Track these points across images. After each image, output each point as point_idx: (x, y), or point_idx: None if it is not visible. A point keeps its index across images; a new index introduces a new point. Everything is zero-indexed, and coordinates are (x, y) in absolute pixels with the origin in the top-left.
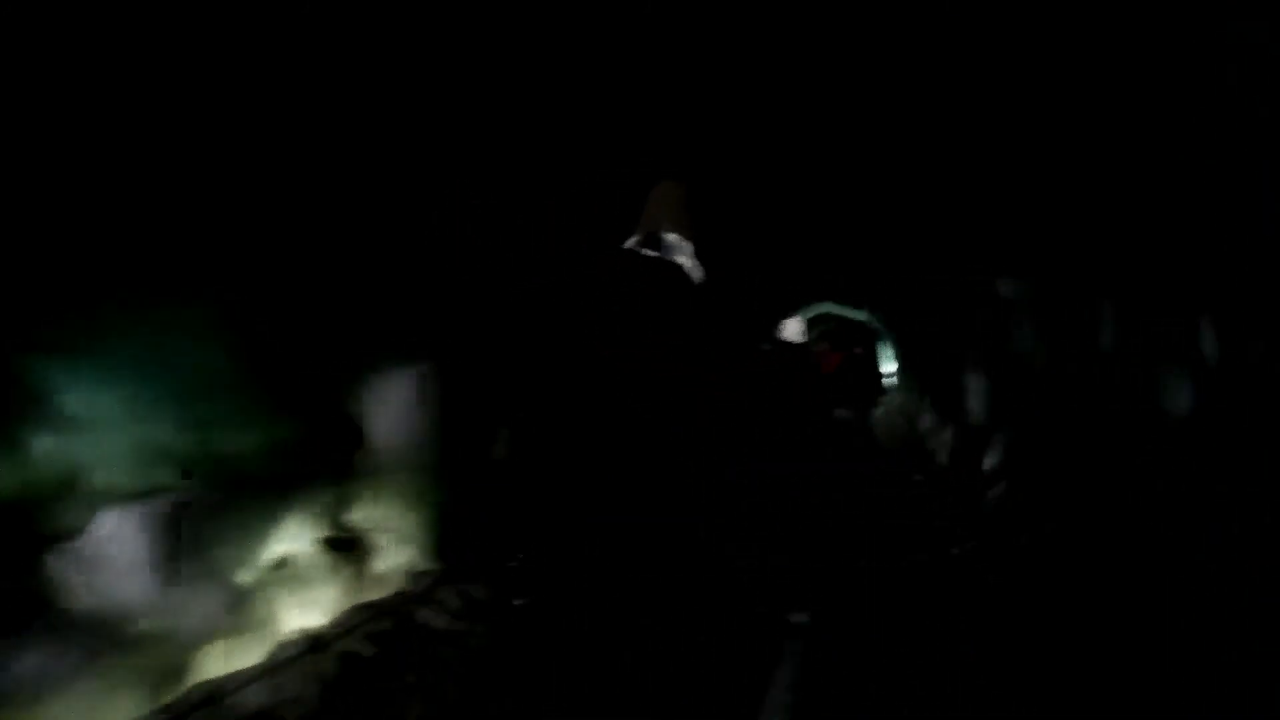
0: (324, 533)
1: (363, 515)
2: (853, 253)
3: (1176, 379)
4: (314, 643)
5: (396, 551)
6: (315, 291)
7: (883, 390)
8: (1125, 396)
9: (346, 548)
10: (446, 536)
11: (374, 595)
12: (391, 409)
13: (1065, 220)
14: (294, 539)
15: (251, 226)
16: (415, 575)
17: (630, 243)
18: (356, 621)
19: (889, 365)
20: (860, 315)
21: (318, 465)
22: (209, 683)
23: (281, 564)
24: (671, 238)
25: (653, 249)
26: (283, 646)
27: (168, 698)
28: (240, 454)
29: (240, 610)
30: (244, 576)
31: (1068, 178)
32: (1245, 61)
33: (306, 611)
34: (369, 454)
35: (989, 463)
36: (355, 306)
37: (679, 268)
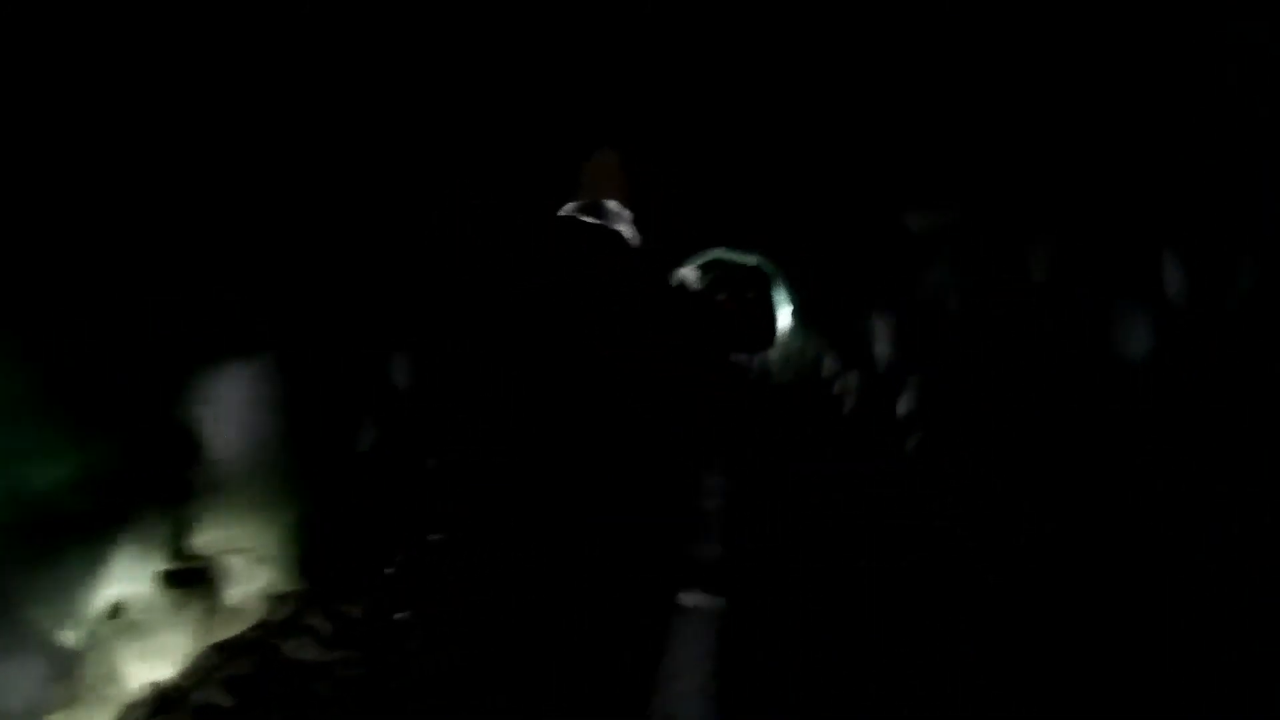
0: (163, 566)
1: (209, 539)
2: (742, 191)
3: (1132, 317)
4: (164, 700)
5: (253, 575)
6: (117, 282)
7: (776, 334)
8: (1065, 337)
9: (192, 580)
10: (311, 550)
11: (231, 631)
12: (230, 411)
13: (993, 144)
14: (128, 579)
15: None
16: (277, 600)
17: (568, 209)
18: (212, 665)
19: (784, 308)
20: (752, 259)
21: (147, 488)
22: None
23: (115, 612)
24: (612, 205)
25: (594, 216)
26: (129, 709)
27: None
28: (47, 492)
29: (72, 676)
30: (70, 635)
31: (1000, 107)
32: (1245, 61)
33: (153, 663)
34: (208, 466)
35: (903, 408)
36: (170, 295)
37: (621, 235)
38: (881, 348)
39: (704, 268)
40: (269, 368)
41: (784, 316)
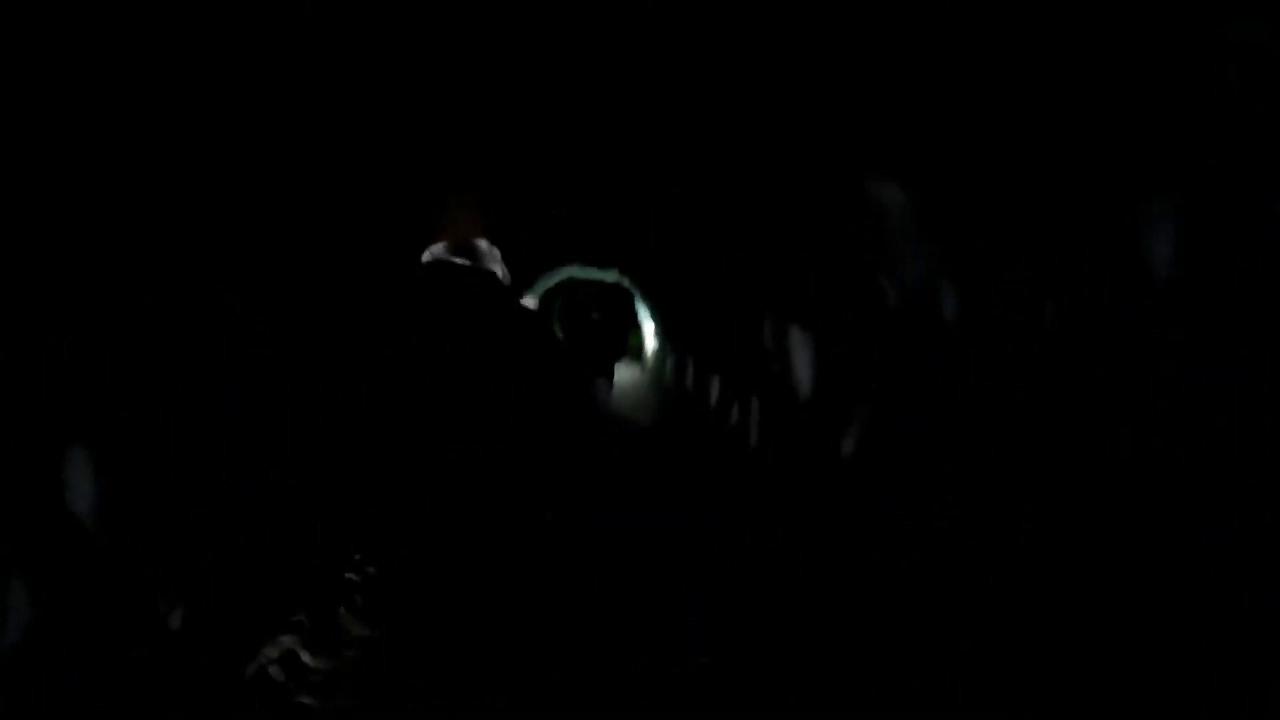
0: None
1: None
2: (599, 197)
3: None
4: None
5: None
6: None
7: (626, 357)
8: (1144, 369)
9: None
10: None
11: None
12: None
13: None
14: None
15: None
16: None
17: (435, 252)
18: None
19: (647, 327)
20: (610, 275)
21: None
22: None
23: None
24: (482, 245)
25: (467, 258)
26: None
27: None
28: None
29: None
30: None
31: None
32: (1245, 61)
33: None
34: None
35: (846, 449)
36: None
37: (496, 275)
38: (802, 370)
39: (550, 292)
40: None
41: (645, 336)
